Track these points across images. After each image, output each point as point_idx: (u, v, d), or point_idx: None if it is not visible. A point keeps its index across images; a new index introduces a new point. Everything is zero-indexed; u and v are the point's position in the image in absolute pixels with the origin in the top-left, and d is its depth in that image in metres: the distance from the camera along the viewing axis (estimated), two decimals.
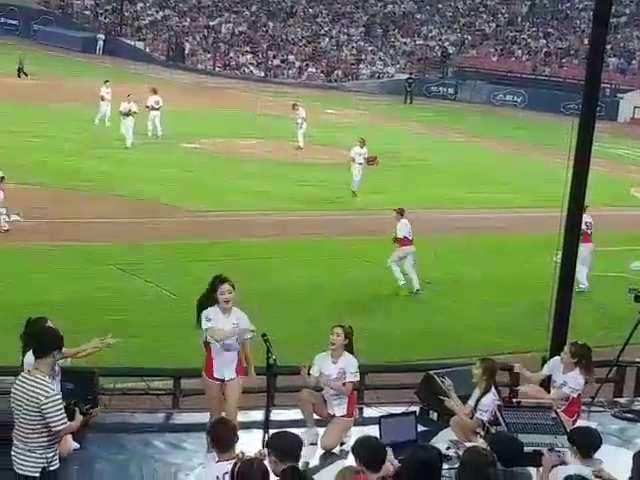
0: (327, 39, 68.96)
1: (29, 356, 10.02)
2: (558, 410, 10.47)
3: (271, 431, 9.05)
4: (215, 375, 10.21)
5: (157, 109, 35.94)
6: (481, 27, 69.26)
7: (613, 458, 8.47)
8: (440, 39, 68.37)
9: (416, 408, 11.63)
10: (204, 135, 37.30)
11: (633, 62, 60.71)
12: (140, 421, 11.34)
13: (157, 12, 73.00)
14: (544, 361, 12.31)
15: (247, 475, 6.49)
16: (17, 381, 7.92)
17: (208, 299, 10.21)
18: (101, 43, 68.18)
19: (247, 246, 22.27)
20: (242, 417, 10.47)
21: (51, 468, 7.83)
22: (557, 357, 11.60)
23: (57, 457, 7.92)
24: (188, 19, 71.74)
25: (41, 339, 8.07)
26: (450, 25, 70.03)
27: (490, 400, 10.42)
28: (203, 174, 29.42)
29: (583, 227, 19.33)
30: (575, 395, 11.20)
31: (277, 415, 10.81)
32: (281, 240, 23.21)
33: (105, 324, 15.78)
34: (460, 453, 9.72)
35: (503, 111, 56.06)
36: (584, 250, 18.95)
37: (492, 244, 24.17)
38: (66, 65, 57.98)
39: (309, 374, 10.78)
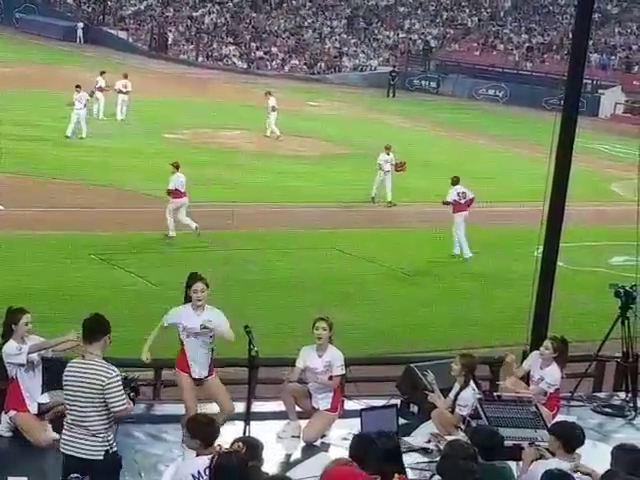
0: (310, 31, 68.87)
1: (8, 346, 10.03)
2: (539, 404, 10.52)
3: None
4: (193, 375, 10.29)
5: (125, 93, 37.26)
6: (464, 21, 69.34)
7: (592, 452, 8.52)
8: (423, 33, 68.40)
9: (397, 401, 11.66)
10: (186, 125, 37.21)
11: (614, 58, 60.94)
12: None
13: (140, 2, 72.69)
14: (524, 355, 12.36)
15: (225, 468, 6.47)
16: (70, 368, 8.05)
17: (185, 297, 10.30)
18: (80, 32, 67.75)
19: (229, 237, 22.25)
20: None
21: (113, 449, 7.97)
22: (536, 351, 11.64)
23: (115, 438, 8.04)
24: (171, 9, 71.47)
25: (92, 325, 8.17)
26: (433, 19, 70.07)
27: (469, 395, 10.46)
28: (184, 164, 29.31)
29: (455, 198, 22.27)
30: (552, 390, 11.25)
31: (259, 407, 10.80)
32: (264, 231, 23.21)
33: (86, 314, 15.77)
34: (441, 446, 9.79)
35: (485, 105, 56.14)
36: (458, 218, 22.19)
37: (474, 237, 24.21)
38: (47, 53, 57.63)
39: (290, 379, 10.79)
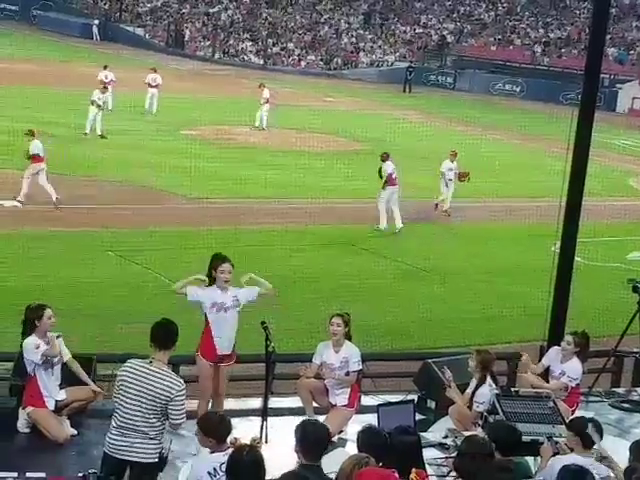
0: (326, 27, 68.82)
1: (28, 341, 10.07)
2: (557, 400, 10.49)
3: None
4: (217, 352, 10.25)
5: (154, 87, 38.46)
6: (480, 16, 69.16)
7: (611, 448, 8.48)
8: (439, 28, 68.25)
9: (414, 396, 11.65)
10: (203, 122, 37.24)
11: (632, 52, 60.64)
12: None
13: None
14: (541, 351, 12.33)
15: (238, 463, 6.43)
16: (133, 370, 7.91)
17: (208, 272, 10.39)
18: (95, 29, 67.94)
19: (245, 233, 22.25)
20: (241, 405, 10.50)
21: (165, 452, 7.92)
22: (556, 347, 11.60)
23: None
24: (188, 6, 71.60)
25: (166, 333, 8.08)
26: (449, 14, 69.93)
27: (486, 391, 10.43)
28: (202, 161, 29.36)
29: (389, 172, 23.66)
30: (574, 385, 11.21)
31: (276, 403, 10.82)
32: (279, 228, 23.19)
33: (103, 310, 15.84)
34: (458, 442, 9.76)
35: (502, 100, 55.97)
36: (390, 192, 23.55)
37: (491, 233, 24.18)
38: (63, 51, 57.81)
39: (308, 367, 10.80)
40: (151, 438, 7.87)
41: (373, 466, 6.89)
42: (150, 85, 38.94)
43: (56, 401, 10.26)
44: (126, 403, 7.86)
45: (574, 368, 11.23)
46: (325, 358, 10.77)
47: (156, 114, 38.41)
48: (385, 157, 24.52)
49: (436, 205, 26.17)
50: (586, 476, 6.74)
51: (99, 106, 32.46)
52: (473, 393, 10.56)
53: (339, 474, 6.93)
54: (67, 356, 10.35)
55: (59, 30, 67.12)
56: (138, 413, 7.82)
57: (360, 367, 10.90)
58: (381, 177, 24.06)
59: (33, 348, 10.04)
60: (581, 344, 11.28)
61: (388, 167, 24.15)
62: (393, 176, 24.01)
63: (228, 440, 7.47)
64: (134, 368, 7.93)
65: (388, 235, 23.37)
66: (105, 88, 33.27)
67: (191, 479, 7.38)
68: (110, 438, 8.00)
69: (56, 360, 10.22)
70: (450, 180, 26.10)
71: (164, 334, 8.06)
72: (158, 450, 7.92)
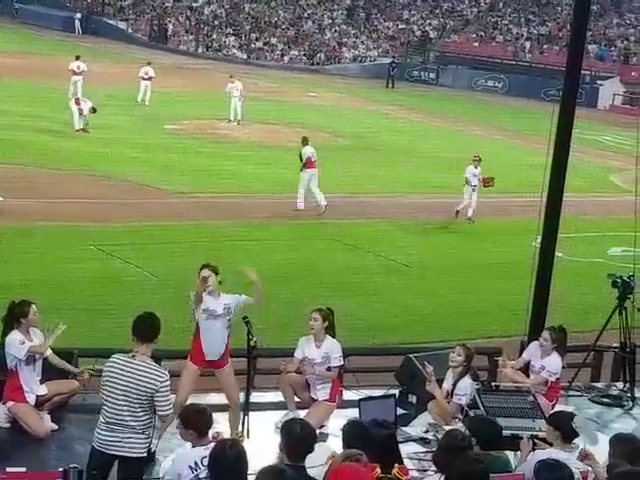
0: (310, 22, 68.78)
1: (12, 337, 10.05)
2: (537, 395, 10.56)
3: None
4: (206, 358, 10.17)
5: (147, 79, 39.67)
6: (463, 12, 69.26)
7: (590, 442, 8.54)
8: (422, 24, 68.31)
9: (395, 391, 11.69)
10: (186, 117, 37.19)
11: (613, 49, 60.88)
12: None
13: None
14: (522, 346, 12.40)
15: (220, 457, 6.41)
16: (118, 366, 7.90)
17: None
18: (78, 23, 67.64)
19: (228, 228, 22.27)
20: (223, 399, 10.51)
21: (153, 447, 8.03)
22: (535, 342, 11.67)
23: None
24: (171, 0, 71.36)
25: (149, 327, 8.08)
26: (432, 10, 69.98)
27: (467, 384, 10.49)
28: (185, 155, 29.34)
29: (308, 155, 24.94)
30: (553, 379, 11.29)
31: (257, 397, 10.84)
32: (263, 222, 23.23)
33: (85, 304, 15.82)
34: (439, 436, 9.81)
35: (484, 96, 56.10)
36: (309, 174, 24.70)
37: (473, 229, 24.26)
38: (46, 44, 57.56)
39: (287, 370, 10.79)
40: (140, 432, 7.89)
41: (363, 463, 6.90)
42: (143, 78, 39.87)
43: (37, 396, 10.25)
44: (113, 399, 7.87)
45: (553, 363, 11.30)
46: (307, 353, 10.80)
47: (147, 106, 38.94)
48: (305, 142, 25.57)
49: (457, 212, 25.23)
50: (562, 469, 6.78)
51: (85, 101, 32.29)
52: (453, 386, 10.62)
53: (329, 468, 6.94)
54: (48, 351, 10.33)
55: (41, 23, 66.83)
56: (125, 408, 7.84)
57: (341, 362, 10.93)
58: (301, 160, 25.03)
59: (18, 344, 10.01)
60: (558, 339, 11.35)
61: (307, 151, 25.17)
62: (312, 159, 25.04)
63: (210, 435, 7.47)
64: (118, 363, 7.94)
65: (370, 230, 23.42)
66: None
67: (172, 473, 7.33)
68: (99, 434, 8.01)
69: (38, 355, 10.22)
70: (474, 186, 25.31)
71: (147, 327, 8.06)
72: (147, 444, 7.96)
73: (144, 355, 7.93)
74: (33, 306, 10.19)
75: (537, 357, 11.43)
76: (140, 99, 39.71)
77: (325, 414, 10.80)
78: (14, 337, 10.06)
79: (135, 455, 7.89)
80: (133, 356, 7.95)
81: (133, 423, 7.85)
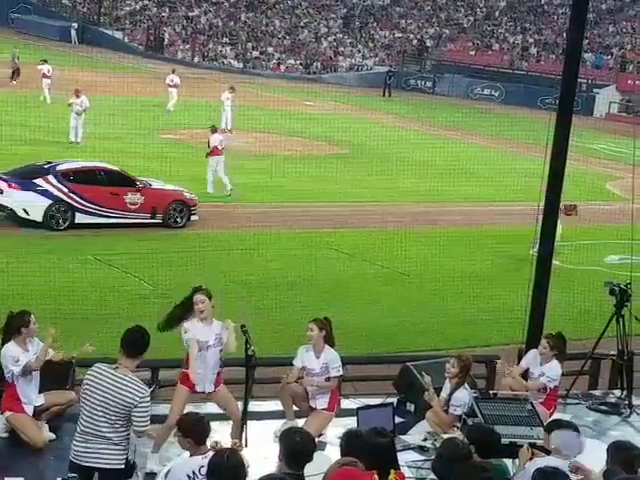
0: (306, 31, 68.90)
1: (9, 349, 10.03)
2: (535, 403, 10.56)
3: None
4: (197, 389, 10.07)
5: (173, 86, 42.05)
6: (459, 21, 69.41)
7: (588, 450, 8.54)
8: (419, 32, 68.45)
9: (393, 400, 11.68)
10: (182, 125, 37.22)
11: (609, 57, 61.01)
12: None
13: (136, 2, 72.63)
14: (520, 354, 12.40)
15: (219, 466, 6.41)
16: (99, 375, 7.81)
17: (183, 308, 10.12)
18: (74, 32, 67.66)
19: (226, 237, 22.30)
20: (220, 409, 10.49)
21: (130, 458, 7.81)
22: (534, 350, 11.68)
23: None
24: (167, 9, 71.44)
25: (137, 341, 7.97)
26: (428, 18, 70.13)
27: (464, 395, 10.49)
28: (181, 164, 29.35)
29: (215, 144, 26.86)
30: (552, 386, 11.28)
31: (256, 407, 10.83)
32: (262, 232, 23.24)
33: (84, 314, 15.82)
34: (437, 445, 9.81)
35: (481, 105, 56.16)
36: (215, 160, 26.69)
37: (470, 237, 24.27)
38: (42, 54, 57.51)
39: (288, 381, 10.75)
40: (115, 444, 7.78)
41: (359, 469, 6.91)
42: (169, 85, 41.77)
43: (35, 407, 10.23)
44: (91, 408, 7.77)
45: (553, 369, 11.31)
46: (306, 363, 10.78)
47: (172, 112, 40.15)
48: (213, 130, 27.55)
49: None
50: (560, 477, 6.79)
51: (77, 112, 32.04)
52: (449, 397, 10.62)
53: (325, 476, 6.95)
54: (50, 353, 10.26)
55: (37, 33, 66.80)
56: (102, 419, 7.74)
57: (340, 373, 10.91)
58: (209, 147, 26.92)
59: (12, 360, 9.95)
60: (557, 345, 11.37)
61: (214, 140, 27.02)
62: (219, 147, 26.94)
63: (209, 444, 7.47)
64: (100, 373, 7.85)
65: (367, 239, 23.45)
66: (78, 91, 32.79)
67: None
68: (74, 445, 7.90)
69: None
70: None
71: (134, 342, 7.96)
72: (124, 456, 7.83)
73: (127, 368, 7.82)
74: (32, 315, 10.17)
75: (536, 365, 11.43)
76: (169, 107, 41.22)
77: (323, 423, 10.79)
78: (10, 351, 10.01)
79: (111, 467, 7.77)
80: (116, 367, 7.85)
81: (110, 434, 7.74)
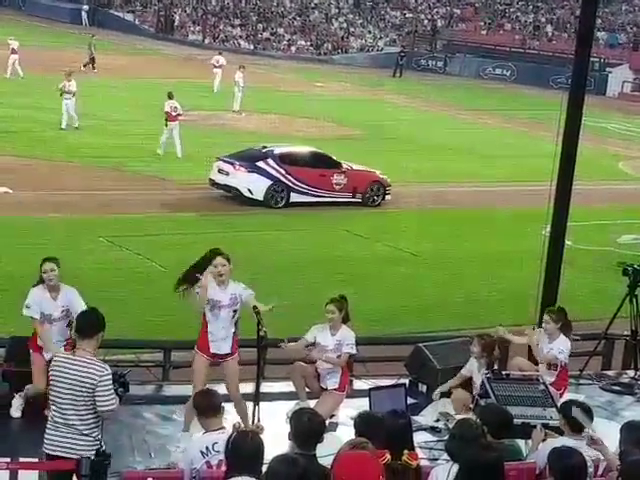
0: (316, 12, 68.65)
1: (32, 289, 10.18)
2: (546, 382, 10.55)
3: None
4: (211, 350, 10.00)
5: (219, 67, 42.45)
6: (470, 0, 69.05)
7: (601, 430, 8.53)
8: (430, 12, 68.13)
9: (406, 380, 11.69)
10: (194, 108, 37.14)
11: (622, 36, 60.64)
12: (130, 393, 11.34)
13: None
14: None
15: (240, 446, 6.40)
16: (59, 362, 7.74)
17: (198, 268, 10.04)
18: (85, 15, 67.60)
19: (238, 219, 22.31)
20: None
21: (103, 448, 7.67)
22: (539, 329, 11.63)
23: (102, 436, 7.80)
24: None
25: (87, 321, 7.93)
26: None
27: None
28: (191, 146, 29.34)
29: (168, 110, 27.98)
30: (562, 357, 11.20)
31: (268, 388, 10.85)
32: (269, 213, 23.25)
33: (95, 296, 15.81)
34: (449, 425, 9.82)
35: (492, 84, 55.99)
36: (171, 126, 27.92)
37: (480, 217, 24.22)
38: (53, 36, 57.57)
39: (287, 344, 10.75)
40: (83, 433, 7.66)
41: (370, 451, 6.92)
42: (215, 66, 42.33)
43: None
44: (59, 398, 7.69)
45: (562, 342, 11.26)
46: (320, 339, 10.78)
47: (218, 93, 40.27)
48: (170, 96, 28.40)
49: None
50: (575, 456, 6.77)
51: (66, 93, 31.04)
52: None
53: (336, 457, 6.97)
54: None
55: (48, 16, 66.79)
56: (69, 407, 7.64)
57: (353, 351, 10.89)
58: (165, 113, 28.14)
59: (25, 302, 10.13)
60: (560, 319, 11.31)
61: (166, 105, 28.12)
62: (173, 114, 27.94)
63: (232, 424, 7.57)
64: (61, 361, 7.77)
65: (378, 219, 23.44)
66: (69, 73, 32.29)
67: (186, 459, 7.50)
68: (46, 435, 7.82)
69: (55, 317, 10.16)
70: None
71: (85, 322, 7.92)
72: (94, 446, 7.66)
73: (85, 351, 7.71)
74: (47, 263, 10.22)
75: (544, 342, 11.38)
76: (215, 89, 41.72)
77: (334, 403, 10.80)
78: (30, 293, 10.19)
79: (79, 456, 7.57)
80: (74, 352, 7.80)
81: (77, 423, 7.64)
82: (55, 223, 20.42)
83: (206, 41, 64.68)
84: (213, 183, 24.29)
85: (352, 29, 66.35)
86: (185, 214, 22.40)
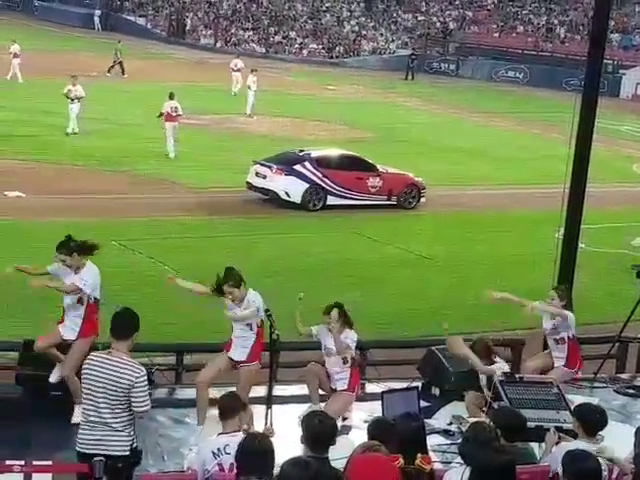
0: (328, 15, 68.67)
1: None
2: (559, 367, 10.51)
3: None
4: (229, 354, 10.44)
5: (237, 71, 42.35)
6: (483, 3, 68.95)
7: (615, 434, 8.48)
8: (442, 15, 68.08)
9: (418, 384, 11.66)
10: (206, 111, 37.21)
11: (636, 38, 60.45)
12: None
13: None
14: (545, 339, 12.30)
15: (249, 450, 6.42)
16: (94, 362, 7.81)
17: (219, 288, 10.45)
18: (97, 19, 67.83)
19: (250, 221, 22.33)
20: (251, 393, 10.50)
21: (136, 445, 7.81)
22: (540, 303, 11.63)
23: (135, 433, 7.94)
24: None
25: (125, 322, 7.97)
26: (452, 1, 69.71)
27: (500, 366, 10.54)
28: (203, 150, 29.39)
29: (168, 110, 28.28)
30: (567, 329, 11.20)
31: (280, 391, 10.84)
32: (283, 215, 23.26)
33: (107, 299, 15.83)
34: (462, 429, 9.78)
35: (505, 87, 55.89)
36: (168, 126, 28.17)
37: (493, 220, 24.18)
38: (65, 41, 57.75)
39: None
40: (118, 431, 7.75)
41: (383, 453, 6.90)
42: (233, 70, 42.48)
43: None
44: (93, 397, 7.76)
45: (566, 316, 11.29)
46: (324, 342, 10.87)
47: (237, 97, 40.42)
48: (171, 96, 28.68)
49: None
50: (589, 460, 6.74)
51: (71, 99, 31.00)
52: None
53: (349, 460, 6.95)
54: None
55: (61, 21, 67.01)
56: (104, 405, 7.72)
57: (353, 346, 10.79)
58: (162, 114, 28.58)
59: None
60: (567, 296, 11.40)
61: (166, 106, 28.39)
62: (173, 114, 28.23)
63: (242, 427, 7.62)
64: (96, 361, 7.83)
65: (390, 222, 23.41)
66: (74, 77, 32.30)
67: (199, 459, 7.59)
68: (80, 434, 7.89)
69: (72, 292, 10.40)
70: None
71: (122, 323, 7.96)
72: (129, 442, 7.81)
73: (120, 351, 7.80)
74: (57, 253, 10.46)
75: (548, 319, 11.41)
76: (234, 91, 41.74)
77: (344, 404, 10.79)
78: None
79: (116, 454, 7.74)
80: (109, 352, 7.85)
81: (111, 421, 7.72)
82: (67, 227, 20.41)
83: (218, 45, 64.77)
84: (250, 186, 24.54)
85: (364, 32, 66.34)
86: (197, 217, 22.40)
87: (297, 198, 24.00)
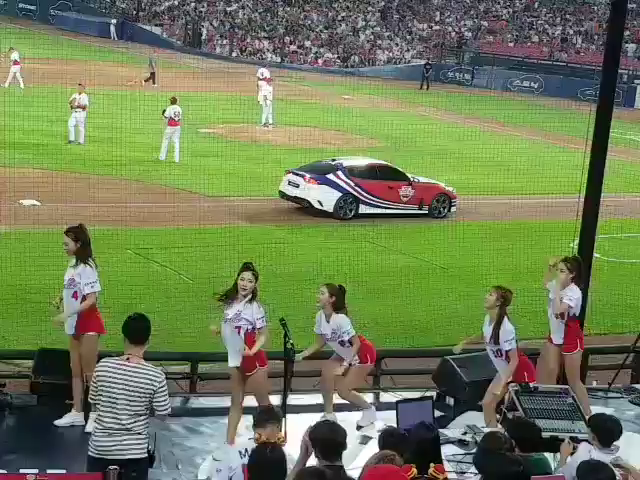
0: (344, 25, 68.80)
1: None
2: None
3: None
4: (229, 364, 10.29)
5: (263, 80, 41.75)
6: (498, 13, 68.98)
7: (630, 444, 8.46)
8: (457, 25, 68.11)
9: (433, 393, 11.65)
10: (221, 120, 37.30)
11: None
12: None
13: None
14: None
15: (260, 459, 6.44)
16: (110, 368, 7.80)
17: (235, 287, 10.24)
18: (113, 29, 68.12)
19: (264, 231, 22.33)
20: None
21: (150, 447, 7.85)
22: (553, 282, 11.57)
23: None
24: (205, 4, 71.67)
25: (140, 327, 8.00)
26: (467, 11, 69.77)
27: (510, 328, 10.69)
28: (220, 159, 29.42)
29: (171, 115, 29.53)
30: (573, 305, 11.24)
31: (294, 400, 10.84)
32: (298, 225, 23.27)
33: (122, 308, 15.88)
34: (477, 439, 9.75)
35: (520, 97, 55.78)
36: (171, 130, 29.30)
37: (509, 230, 24.12)
38: (81, 50, 57.95)
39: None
40: (138, 433, 7.80)
41: (397, 464, 6.89)
42: (259, 78, 42.46)
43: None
44: (111, 403, 7.74)
45: (572, 290, 11.32)
46: (321, 329, 10.94)
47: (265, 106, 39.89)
48: (173, 101, 29.75)
49: None
50: (604, 470, 6.72)
51: (74, 107, 31.33)
52: (496, 334, 10.50)
53: (364, 469, 6.94)
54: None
55: (77, 30, 67.30)
56: (124, 411, 7.72)
57: (353, 333, 10.82)
58: (165, 117, 29.44)
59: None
60: (575, 268, 11.32)
61: (169, 111, 29.45)
62: (176, 119, 29.35)
63: (253, 435, 7.57)
64: (113, 367, 7.81)
65: (403, 231, 23.39)
66: (81, 85, 32.44)
67: (224, 464, 7.46)
68: (96, 441, 7.86)
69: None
70: None
71: (138, 328, 7.97)
72: (146, 445, 7.86)
73: (137, 357, 7.81)
74: (66, 233, 11.01)
75: (555, 292, 11.37)
76: (260, 101, 40.88)
77: (356, 375, 10.89)
78: None
79: (136, 457, 7.80)
80: (127, 359, 7.83)
81: (131, 425, 7.74)
82: None
83: (233, 54, 64.96)
84: (283, 195, 24.88)
85: (379, 41, 66.42)
86: (215, 225, 22.44)
87: (330, 207, 24.34)
